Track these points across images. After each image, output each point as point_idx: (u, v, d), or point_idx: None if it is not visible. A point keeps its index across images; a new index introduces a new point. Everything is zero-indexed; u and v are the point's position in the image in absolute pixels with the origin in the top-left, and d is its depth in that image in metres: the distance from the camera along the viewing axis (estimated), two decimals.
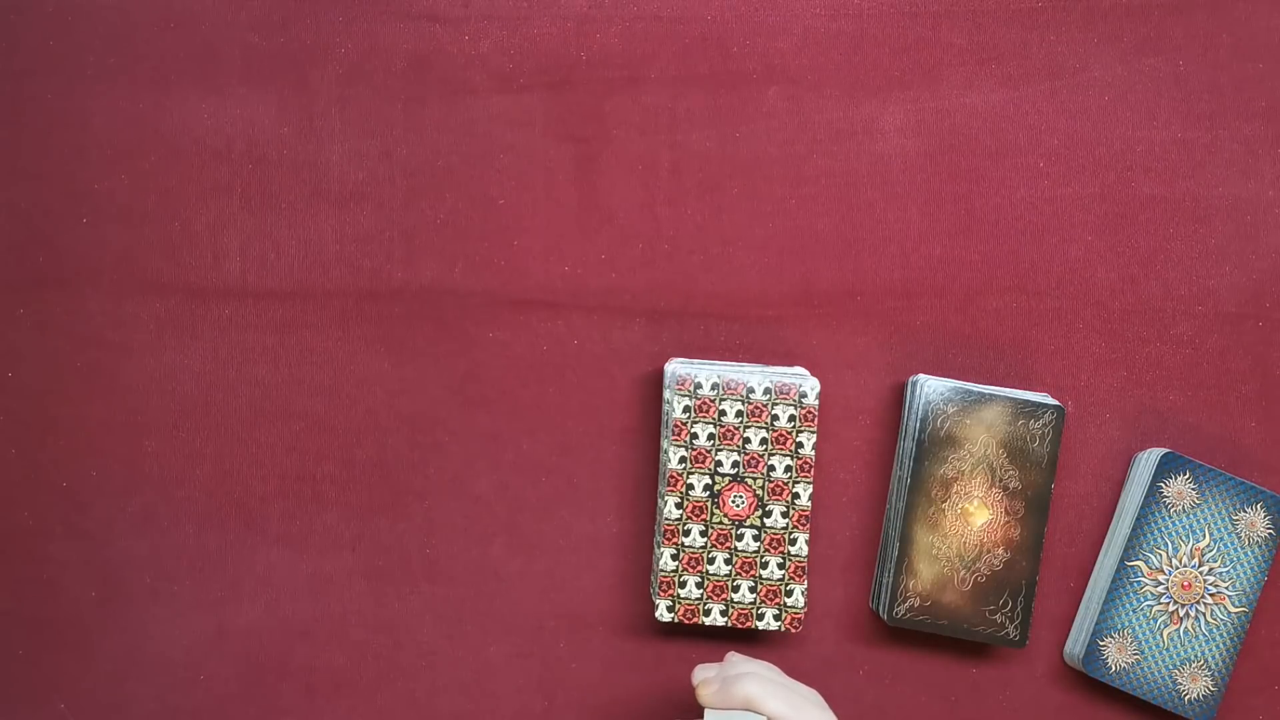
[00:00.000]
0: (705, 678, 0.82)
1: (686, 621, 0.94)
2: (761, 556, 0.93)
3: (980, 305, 0.98)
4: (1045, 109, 0.98)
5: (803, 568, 0.94)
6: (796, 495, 0.93)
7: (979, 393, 0.94)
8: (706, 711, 0.81)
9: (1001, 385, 0.98)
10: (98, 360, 0.97)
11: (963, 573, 0.94)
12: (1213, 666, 0.96)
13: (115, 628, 0.97)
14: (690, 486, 0.93)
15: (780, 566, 0.93)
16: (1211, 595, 0.96)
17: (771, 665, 0.84)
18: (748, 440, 0.92)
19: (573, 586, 0.98)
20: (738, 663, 0.84)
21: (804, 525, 0.93)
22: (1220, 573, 0.95)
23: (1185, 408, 0.99)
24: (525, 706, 0.98)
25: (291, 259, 0.97)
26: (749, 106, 0.97)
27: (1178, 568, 0.96)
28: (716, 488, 0.93)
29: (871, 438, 0.98)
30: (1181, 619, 0.96)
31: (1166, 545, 0.95)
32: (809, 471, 0.93)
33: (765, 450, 0.92)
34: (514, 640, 0.98)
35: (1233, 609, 0.96)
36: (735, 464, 0.93)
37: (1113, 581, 0.96)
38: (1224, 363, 0.99)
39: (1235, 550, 0.95)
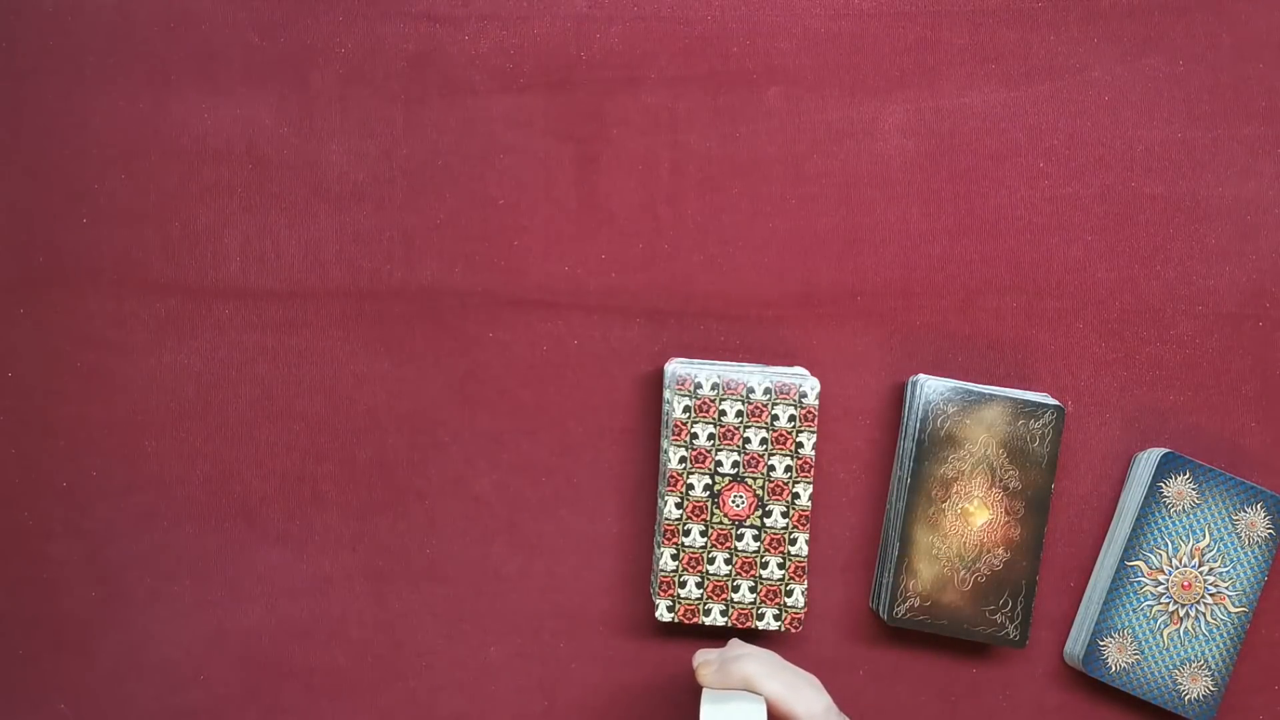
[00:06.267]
0: (705, 659, 0.83)
1: (686, 621, 0.94)
2: (761, 556, 0.93)
3: (980, 305, 0.98)
4: (1045, 109, 0.98)
5: (803, 568, 0.94)
6: (796, 495, 0.93)
7: (979, 393, 0.94)
8: (704, 692, 0.81)
9: (1001, 385, 0.98)
10: (98, 360, 0.97)
11: (963, 573, 0.94)
12: (1213, 666, 0.96)
13: (115, 628, 0.97)
14: (690, 486, 0.93)
15: (780, 566, 0.93)
16: (1211, 595, 0.96)
17: (772, 653, 0.84)
18: (748, 440, 0.92)
19: (573, 586, 0.98)
20: (738, 646, 0.85)
21: (804, 525, 0.93)
22: (1220, 573, 0.95)
23: (1185, 408, 0.99)
24: (525, 706, 0.98)
25: (291, 259, 0.97)
26: (749, 106, 0.97)
27: (1178, 568, 0.96)
28: (716, 488, 0.93)
29: (871, 438, 0.98)
30: (1181, 619, 0.96)
31: (1166, 545, 0.95)
32: (809, 471, 0.93)
33: (765, 450, 0.92)
34: (514, 640, 0.98)
35: (1233, 609, 0.96)
36: (735, 464, 0.93)
37: (1113, 581, 0.96)
38: (1224, 363, 0.99)
39: (1235, 550, 0.95)
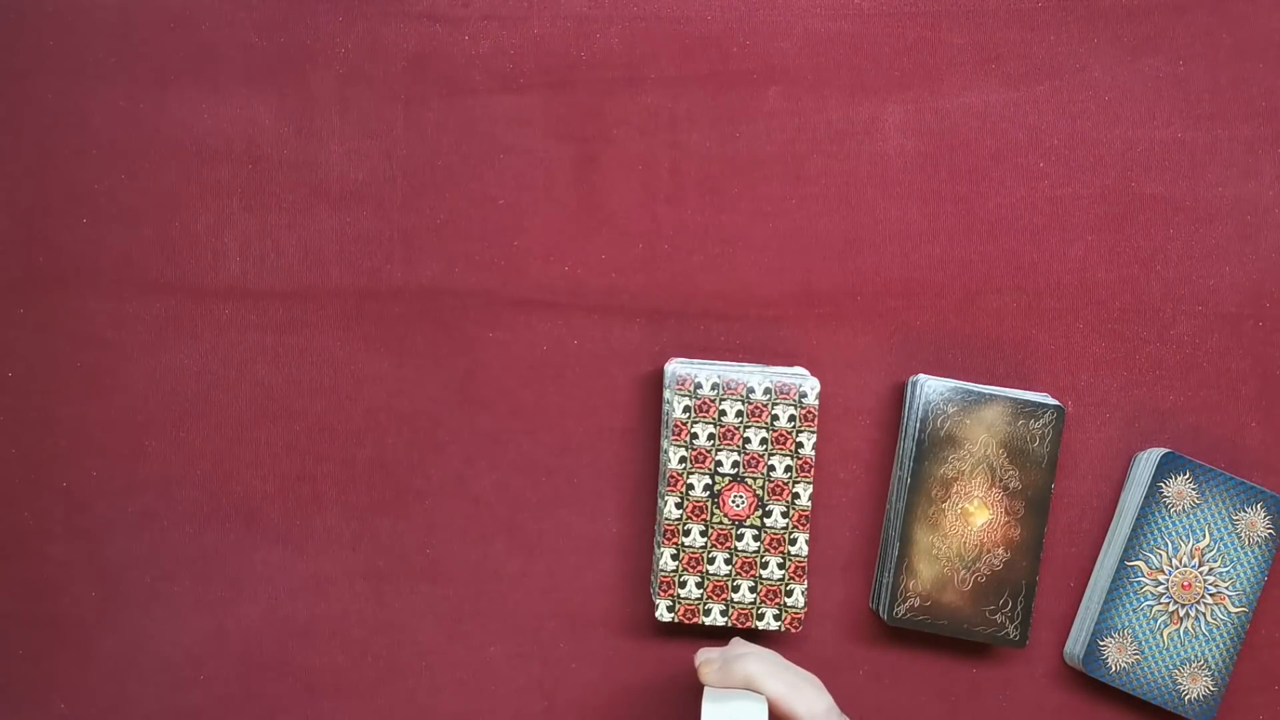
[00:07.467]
0: (708, 658, 0.83)
1: (686, 621, 0.94)
2: (761, 556, 0.93)
3: (980, 305, 0.98)
4: (1045, 109, 0.98)
5: (803, 568, 0.94)
6: (796, 495, 0.93)
7: (979, 393, 0.94)
8: (706, 691, 0.82)
9: (1001, 385, 0.98)
10: (98, 360, 0.97)
11: (963, 573, 0.94)
12: (1213, 666, 0.96)
13: (115, 628, 0.97)
14: (690, 486, 0.93)
15: (780, 566, 0.93)
16: (1211, 595, 0.96)
17: (774, 653, 0.85)
18: (748, 440, 0.92)
19: (573, 586, 0.98)
20: (740, 645, 0.85)
21: (804, 525, 0.93)
22: (1220, 573, 0.95)
23: (1185, 408, 0.99)
24: (525, 706, 0.98)
25: (291, 259, 0.97)
26: (749, 106, 0.97)
27: (1178, 568, 0.96)
28: (716, 488, 0.93)
29: (871, 438, 0.98)
30: (1181, 619, 0.96)
31: (1166, 545, 0.95)
32: (809, 471, 0.93)
33: (765, 450, 0.92)
34: (514, 640, 0.98)
35: (1233, 609, 0.96)
36: (735, 464, 0.93)
37: (1113, 581, 0.96)
38: (1224, 363, 0.99)
39: (1235, 550, 0.95)
